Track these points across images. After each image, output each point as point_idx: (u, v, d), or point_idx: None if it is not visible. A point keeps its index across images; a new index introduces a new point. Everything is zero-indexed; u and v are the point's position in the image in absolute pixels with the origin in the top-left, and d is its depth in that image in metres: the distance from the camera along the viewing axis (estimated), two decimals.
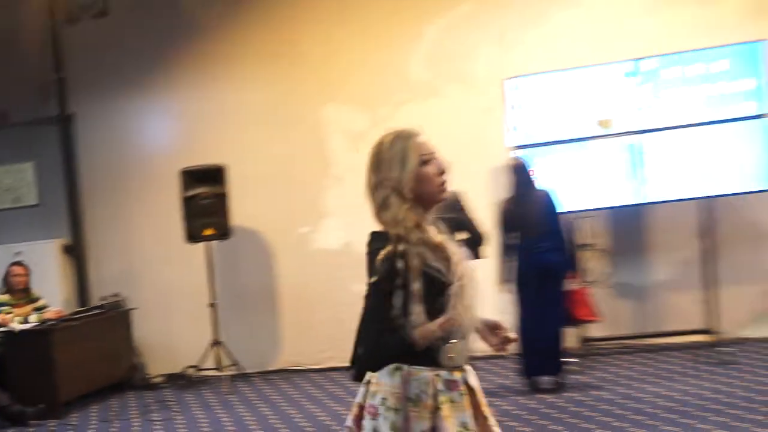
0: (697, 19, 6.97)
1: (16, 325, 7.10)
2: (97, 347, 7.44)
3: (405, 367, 2.29)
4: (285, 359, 8.09)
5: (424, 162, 2.33)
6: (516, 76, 6.94)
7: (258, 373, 7.92)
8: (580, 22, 7.26)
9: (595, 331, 7.00)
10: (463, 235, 5.33)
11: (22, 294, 7.43)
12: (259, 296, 8.17)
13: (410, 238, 2.26)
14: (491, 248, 5.91)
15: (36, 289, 7.59)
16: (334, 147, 7.94)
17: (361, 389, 2.39)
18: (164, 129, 8.49)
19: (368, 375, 2.37)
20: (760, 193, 6.56)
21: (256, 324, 8.14)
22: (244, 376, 7.71)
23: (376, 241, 2.30)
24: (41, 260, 8.17)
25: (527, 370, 6.10)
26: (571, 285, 6.24)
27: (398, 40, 7.77)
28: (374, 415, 2.30)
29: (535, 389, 6.09)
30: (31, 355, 6.90)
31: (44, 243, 8.51)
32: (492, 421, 2.41)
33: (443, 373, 2.32)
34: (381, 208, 2.33)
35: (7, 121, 8.68)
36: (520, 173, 6.11)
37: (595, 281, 7.06)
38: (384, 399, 2.29)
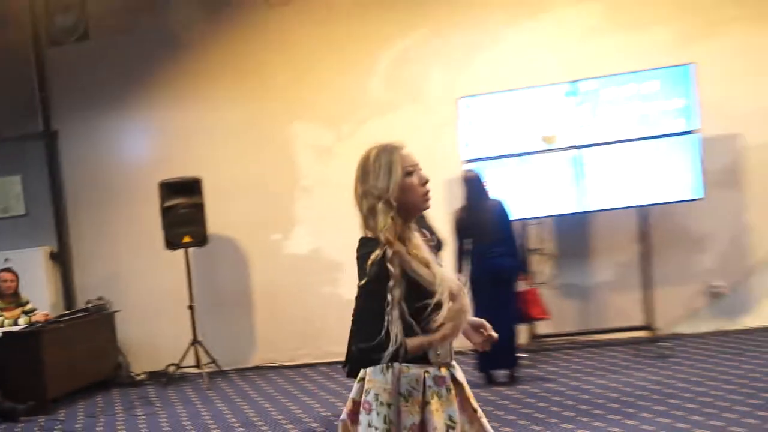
0: (631, 45, 7.16)
1: (6, 328, 7.23)
2: (83, 347, 7.52)
3: (396, 364, 2.32)
4: (260, 356, 8.21)
5: (408, 173, 2.37)
6: (468, 96, 7.07)
7: (235, 369, 8.03)
8: (526, 47, 7.44)
9: (544, 328, 7.21)
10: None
11: (12, 298, 7.56)
12: (235, 298, 8.27)
13: (396, 244, 2.31)
14: (447, 253, 5.97)
15: (24, 294, 7.71)
16: (303, 161, 8.11)
17: (356, 385, 2.44)
18: (144, 144, 8.57)
19: (362, 372, 2.41)
20: (690, 202, 6.77)
21: (232, 324, 8.25)
22: (222, 373, 7.82)
23: (366, 245, 2.33)
24: (29, 266, 8.27)
25: (484, 364, 6.23)
26: (522, 286, 6.44)
27: (359, 63, 7.91)
28: (369, 410, 2.34)
29: (491, 382, 6.26)
30: (21, 356, 6.99)
31: (32, 250, 8.60)
32: (480, 413, 2.47)
33: (432, 369, 2.36)
34: (368, 216, 2.36)
35: None
36: (473, 184, 6.22)
37: (544, 282, 7.26)
38: (377, 395, 2.33)
